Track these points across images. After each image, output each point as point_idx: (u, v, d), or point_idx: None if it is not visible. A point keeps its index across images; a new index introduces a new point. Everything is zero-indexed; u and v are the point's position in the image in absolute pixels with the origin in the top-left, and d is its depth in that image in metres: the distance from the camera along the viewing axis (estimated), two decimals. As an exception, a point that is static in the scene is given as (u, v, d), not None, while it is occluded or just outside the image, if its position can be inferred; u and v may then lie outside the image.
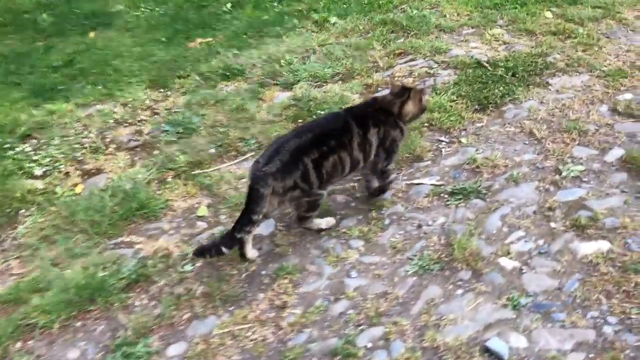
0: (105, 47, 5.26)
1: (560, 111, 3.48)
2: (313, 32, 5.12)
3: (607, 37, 4.39)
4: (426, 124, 3.51)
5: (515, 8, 5.09)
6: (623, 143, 3.10)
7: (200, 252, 2.57)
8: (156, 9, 6.07)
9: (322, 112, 3.76)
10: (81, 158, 3.62)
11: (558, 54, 4.18)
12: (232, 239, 2.51)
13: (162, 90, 4.39)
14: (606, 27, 4.58)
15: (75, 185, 3.39)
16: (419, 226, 2.74)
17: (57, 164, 3.55)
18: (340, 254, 2.63)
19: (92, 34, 5.61)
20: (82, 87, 4.51)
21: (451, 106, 3.65)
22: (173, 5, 6.09)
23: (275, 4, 5.86)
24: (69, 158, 3.60)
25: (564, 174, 2.93)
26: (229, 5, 5.87)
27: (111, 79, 4.58)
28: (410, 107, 2.83)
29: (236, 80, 4.41)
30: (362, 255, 2.62)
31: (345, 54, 4.52)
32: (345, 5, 5.58)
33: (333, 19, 5.27)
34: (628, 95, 3.51)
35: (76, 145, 3.72)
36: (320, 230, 2.75)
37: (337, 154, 2.62)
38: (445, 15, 5.10)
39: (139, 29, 5.63)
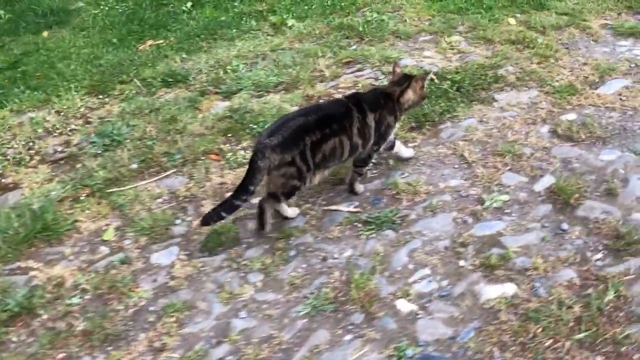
0: (55, 47, 5.12)
1: (498, 131, 3.29)
2: (269, 35, 4.94)
3: (567, 48, 4.17)
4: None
5: (479, 13, 4.87)
6: (555, 170, 2.92)
7: (206, 222, 2.65)
8: (116, 6, 5.91)
9: (256, 126, 3.59)
10: (1, 171, 3.46)
11: (512, 65, 3.97)
12: (231, 205, 2.59)
13: (100, 96, 4.24)
14: (568, 37, 4.36)
15: (-12, 201, 3.23)
16: (324, 259, 2.59)
17: (-25, 176, 3.40)
18: (235, 290, 2.48)
19: (45, 34, 5.47)
20: (20, 92, 4.37)
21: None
22: (133, 3, 5.91)
23: (236, 3, 5.67)
24: (-12, 171, 3.45)
25: (486, 204, 2.75)
26: (189, 4, 5.70)
27: (51, 84, 4.43)
28: (410, 95, 2.90)
29: (178, 87, 4.25)
30: (257, 292, 2.47)
31: (294, 62, 4.34)
32: (306, 7, 5.38)
33: (291, 22, 5.08)
34: (571, 116, 3.31)
35: (-1, 157, 3.57)
36: (285, 217, 2.80)
37: (337, 138, 2.68)
38: (405, 20, 4.89)
39: (94, 28, 5.49)
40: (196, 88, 4.20)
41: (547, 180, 2.86)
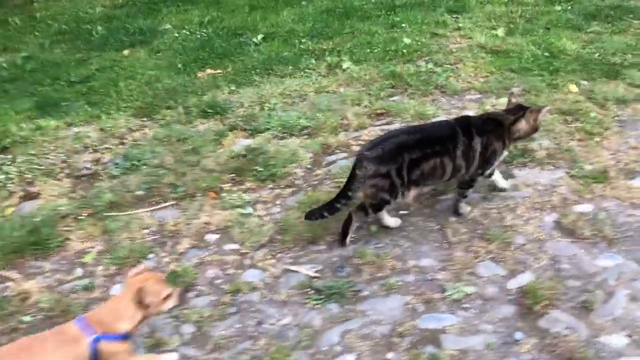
0: (128, 66, 5.49)
1: (497, 213, 3.04)
2: (321, 75, 4.96)
3: (621, 126, 3.78)
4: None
5: (542, 75, 4.56)
6: (539, 268, 2.63)
7: (308, 217, 2.87)
8: (196, 32, 6.22)
9: (263, 169, 3.61)
10: (31, 180, 3.77)
11: (549, 140, 3.66)
12: (332, 207, 2.81)
13: (144, 119, 4.47)
14: (630, 113, 3.95)
15: (8, 207, 3.53)
16: (259, 323, 2.53)
17: (10, 181, 3.73)
18: (163, 338, 2.49)
19: (126, 52, 5.88)
20: (80, 106, 4.72)
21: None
22: (212, 30, 6.20)
23: (304, 40, 5.74)
24: (22, 178, 3.77)
25: (447, 293, 2.55)
26: (260, 36, 5.85)
27: (108, 101, 4.75)
28: (522, 125, 2.90)
29: (214, 118, 4.39)
30: (182, 345, 2.47)
31: (329, 106, 4.32)
32: (369, 50, 5.33)
33: (346, 64, 5.07)
34: (587, 207, 2.99)
35: (35, 166, 3.89)
36: (386, 226, 2.95)
37: (439, 158, 2.77)
38: (460, 75, 4.69)
39: (169, 51, 5.81)
40: (229, 122, 4.30)
41: (524, 278, 2.60)
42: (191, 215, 3.30)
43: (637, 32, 5.38)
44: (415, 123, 4.00)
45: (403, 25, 5.88)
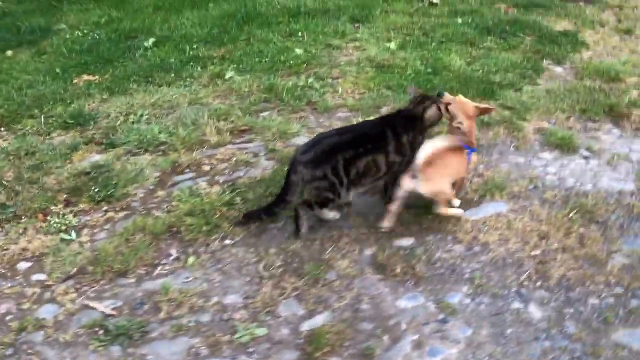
0: (5, 69, 5.26)
1: (320, 244, 2.94)
2: (201, 85, 4.80)
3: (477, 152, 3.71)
4: (174, 228, 3.09)
5: (418, 93, 4.47)
6: (339, 308, 2.54)
7: (245, 217, 2.98)
8: (90, 33, 5.98)
9: (101, 191, 3.44)
10: None
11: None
12: (270, 211, 2.93)
13: (2, 129, 4.25)
14: (490, 137, 3.89)
15: None
16: (32, 366, 2.37)
17: None
18: None
19: (9, 52, 5.64)
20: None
21: (220, 211, 3.19)
22: (106, 32, 5.97)
23: (196, 46, 5.57)
24: None
25: (236, 335, 2.45)
26: (151, 41, 5.66)
27: (-30, 108, 4.50)
28: (432, 112, 3.04)
29: (74, 130, 4.20)
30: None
31: (194, 120, 4.17)
32: (257, 60, 5.19)
33: (229, 74, 4.91)
34: (406, 241, 2.90)
35: None
36: (323, 219, 3.00)
37: (371, 156, 2.87)
38: (337, 90, 4.58)
39: (54, 54, 5.59)
40: (88, 135, 4.12)
41: (320, 319, 2.51)
42: (11, 240, 3.12)
43: (527, 49, 5.37)
44: (278, 142, 3.89)
45: (300, 34, 5.75)
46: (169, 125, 4.14)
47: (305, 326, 2.49)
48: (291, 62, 5.12)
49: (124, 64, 5.26)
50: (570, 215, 3.11)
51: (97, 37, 5.88)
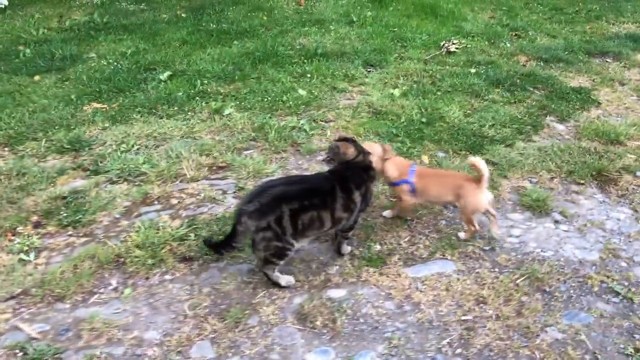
0: (28, 92, 5.60)
1: (252, 287, 2.95)
2: (200, 119, 4.97)
3: (435, 208, 3.65)
4: (121, 259, 3.19)
5: (403, 142, 4.48)
6: (249, 355, 2.54)
7: (206, 243, 3.01)
8: (114, 63, 6.31)
9: (70, 216, 3.59)
10: None
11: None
12: (218, 251, 2.97)
13: (6, 149, 4.52)
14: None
15: None
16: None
17: None
18: None
19: (37, 77, 6.00)
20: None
21: (170, 246, 3.28)
22: (128, 64, 6.28)
23: (206, 81, 5.77)
24: None
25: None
26: (166, 74, 5.91)
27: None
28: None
29: (69, 155, 4.42)
30: None
31: (180, 154, 4.31)
32: (260, 98, 5.33)
33: (228, 111, 5.06)
34: (338, 293, 2.88)
35: None
36: (277, 284, 2.90)
37: (317, 211, 2.85)
38: (326, 134, 4.64)
39: (76, 80, 5.90)
40: (80, 160, 4.32)
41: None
42: (-26, 255, 3.29)
43: (533, 104, 5.26)
44: (249, 181, 3.96)
45: (309, 75, 5.86)
46: (154, 157, 4.29)
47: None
48: (291, 102, 5.21)
49: (135, 94, 5.49)
50: (518, 281, 3.00)
51: (119, 67, 6.17)
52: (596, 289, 2.98)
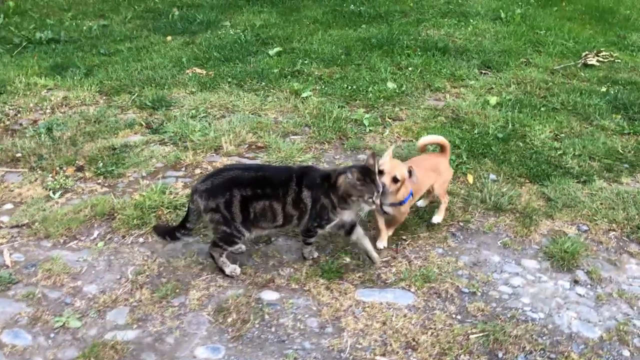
0: (154, 50, 6.19)
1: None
2: (277, 98, 5.06)
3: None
4: (114, 214, 3.44)
5: (459, 156, 4.09)
6: None
7: (156, 230, 3.06)
8: (239, 33, 6.65)
9: (104, 165, 3.93)
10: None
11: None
12: (173, 235, 2.95)
13: (104, 97, 5.09)
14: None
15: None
16: None
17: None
18: None
19: (169, 38, 6.61)
20: (80, 72, 5.52)
21: (162, 211, 3.45)
22: (250, 35, 6.57)
23: (306, 62, 5.82)
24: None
25: (56, 318, 2.68)
26: (275, 50, 6.07)
27: (98, 76, 5.46)
28: (341, 181, 2.76)
29: (147, 112, 4.82)
30: None
31: (232, 128, 4.45)
32: (347, 86, 5.26)
33: (307, 93, 5.08)
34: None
35: None
36: (222, 271, 2.88)
37: (268, 202, 2.76)
38: (382, 133, 4.43)
39: (197, 45, 6.36)
40: (151, 118, 4.68)
41: (128, 334, 2.60)
42: (17, 185, 3.77)
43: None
44: (276, 163, 3.95)
45: (411, 68, 5.58)
46: (212, 126, 4.45)
47: (108, 336, 2.57)
48: (374, 94, 5.02)
49: (237, 65, 5.73)
50: (472, 336, 2.59)
51: (241, 37, 6.47)
52: (564, 372, 2.44)
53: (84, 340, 2.55)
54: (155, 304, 2.74)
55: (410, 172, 2.94)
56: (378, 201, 2.76)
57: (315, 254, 3.02)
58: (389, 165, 2.93)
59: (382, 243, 3.10)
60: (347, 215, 2.86)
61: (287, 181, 2.80)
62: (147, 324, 2.64)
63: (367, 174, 2.72)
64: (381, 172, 2.87)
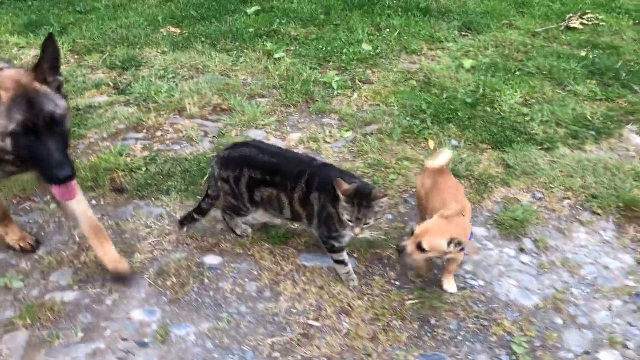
0: (131, 9, 6.07)
1: None
2: (249, 59, 5.00)
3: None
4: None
5: (424, 121, 4.05)
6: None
7: (181, 223, 2.95)
8: None
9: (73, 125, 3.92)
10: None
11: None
12: (200, 209, 2.88)
13: (76, 58, 5.05)
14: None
15: None
16: None
17: None
18: None
19: (147, -5, 6.44)
20: (54, 30, 5.45)
21: (117, 174, 3.45)
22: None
23: (284, 22, 5.72)
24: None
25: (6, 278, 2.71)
26: (254, 9, 5.96)
27: (73, 33, 5.40)
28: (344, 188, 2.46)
29: (116, 72, 4.79)
30: None
31: (199, 90, 4.42)
32: (322, 47, 5.17)
33: (279, 55, 5.01)
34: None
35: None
36: (233, 231, 2.90)
37: (276, 191, 2.64)
38: (350, 96, 4.38)
39: (177, 4, 6.23)
40: (120, 79, 4.65)
41: (66, 295, 2.64)
42: None
43: (624, 106, 4.32)
44: (236, 129, 3.93)
45: (388, 30, 5.47)
46: (178, 88, 4.41)
47: (48, 297, 2.61)
48: (349, 57, 4.94)
49: (213, 24, 5.63)
50: (407, 302, 2.61)
51: (220, -1, 6.33)
52: (494, 339, 2.46)
53: (24, 301, 2.58)
54: (99, 266, 2.77)
55: (451, 243, 2.36)
56: (357, 231, 2.46)
57: (356, 282, 2.67)
58: (422, 227, 2.41)
59: (452, 288, 2.69)
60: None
61: (298, 176, 2.58)
62: (87, 285, 2.67)
63: (362, 198, 2.40)
64: None
